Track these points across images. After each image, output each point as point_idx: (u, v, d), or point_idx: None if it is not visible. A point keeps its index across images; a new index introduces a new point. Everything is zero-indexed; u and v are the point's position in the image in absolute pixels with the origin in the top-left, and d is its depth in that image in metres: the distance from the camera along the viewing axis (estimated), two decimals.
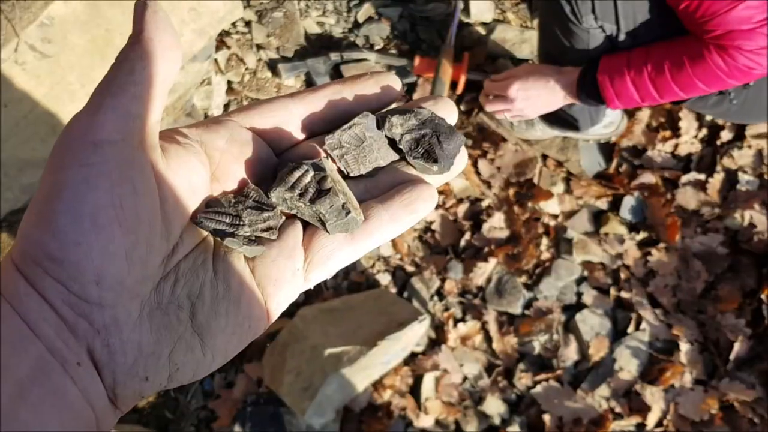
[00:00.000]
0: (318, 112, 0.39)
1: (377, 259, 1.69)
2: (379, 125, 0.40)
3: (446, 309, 1.65)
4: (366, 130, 0.39)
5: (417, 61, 1.72)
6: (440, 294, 1.67)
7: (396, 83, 0.41)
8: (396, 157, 0.41)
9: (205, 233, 0.36)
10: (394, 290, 1.66)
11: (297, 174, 0.37)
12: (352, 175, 0.39)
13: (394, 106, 0.41)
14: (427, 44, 1.85)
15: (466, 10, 1.84)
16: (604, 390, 1.58)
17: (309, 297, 1.62)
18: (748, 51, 1.16)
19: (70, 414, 0.29)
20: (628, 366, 1.59)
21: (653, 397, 1.56)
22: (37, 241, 0.30)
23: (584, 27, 1.32)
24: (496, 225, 1.71)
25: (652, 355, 1.61)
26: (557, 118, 1.59)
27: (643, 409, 1.55)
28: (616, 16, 1.28)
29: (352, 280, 1.65)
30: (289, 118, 0.39)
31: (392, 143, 0.40)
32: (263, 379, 1.49)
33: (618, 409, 1.56)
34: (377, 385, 1.54)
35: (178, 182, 0.34)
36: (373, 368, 1.47)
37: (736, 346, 1.57)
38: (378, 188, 0.40)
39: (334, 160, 0.39)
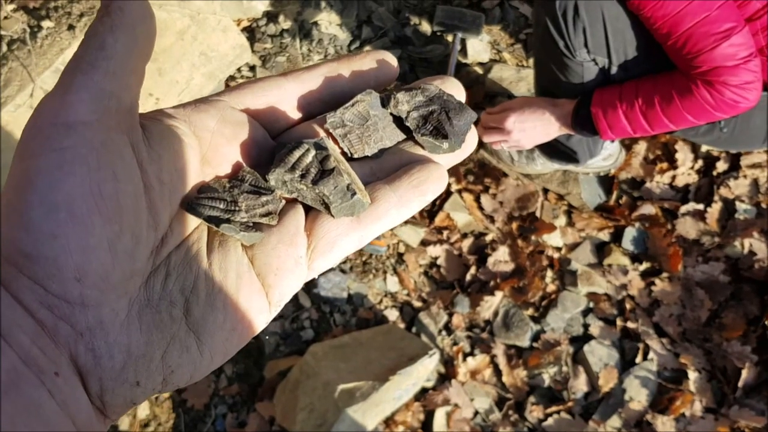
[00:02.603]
0: (314, 91, 0.37)
1: (385, 294, 1.70)
2: (384, 103, 0.38)
3: (455, 343, 1.66)
4: (370, 108, 0.37)
5: None
6: (448, 328, 1.68)
7: (392, 60, 0.39)
8: (402, 136, 0.38)
9: (198, 221, 0.33)
10: (402, 326, 1.67)
11: (297, 154, 0.34)
12: (356, 156, 0.37)
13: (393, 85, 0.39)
14: None
15: (464, 51, 1.89)
16: (615, 421, 1.58)
17: (318, 334, 1.62)
18: (733, 86, 1.20)
19: (45, 430, 0.26)
20: (638, 396, 1.60)
21: (665, 426, 1.56)
22: (8, 236, 0.27)
23: (578, 60, 1.37)
24: (500, 258, 1.73)
25: (662, 384, 1.62)
26: (556, 151, 1.62)
27: None
28: (608, 50, 1.33)
29: (361, 317, 1.66)
30: (284, 98, 0.36)
31: (398, 122, 0.38)
32: (275, 417, 1.49)
33: None
34: (389, 421, 1.53)
35: (164, 166, 0.31)
36: (385, 404, 1.46)
37: (744, 373, 1.58)
38: (384, 170, 0.37)
39: (336, 141, 0.37)
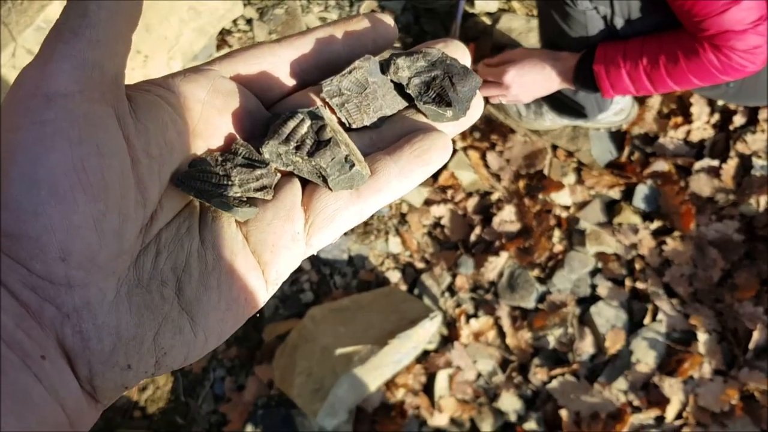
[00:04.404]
0: (309, 57, 0.35)
1: (386, 256, 1.67)
2: (383, 69, 0.36)
3: (458, 305, 1.63)
4: (368, 75, 0.35)
5: None
6: (451, 290, 1.64)
7: (390, 22, 0.37)
8: (404, 104, 0.37)
9: (190, 197, 0.32)
10: (404, 287, 1.64)
11: (291, 124, 0.32)
12: (354, 126, 0.35)
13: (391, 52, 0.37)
14: (431, 36, 1.82)
15: (471, 0, 1.81)
16: (621, 383, 1.55)
17: (318, 297, 1.60)
18: (741, 51, 1.15)
19: (33, 417, 0.25)
20: (645, 358, 1.56)
21: (672, 389, 1.53)
22: None
23: (580, 9, 1.31)
24: (506, 218, 1.68)
25: (670, 346, 1.58)
26: (564, 106, 1.56)
27: (662, 402, 1.52)
28: None
29: (362, 279, 1.63)
30: (278, 65, 0.35)
31: (399, 88, 0.36)
32: (274, 381, 1.48)
33: (636, 403, 1.53)
34: (390, 384, 1.52)
35: (152, 140, 0.30)
36: (385, 367, 1.45)
37: (755, 335, 1.54)
38: (384, 140, 0.35)
39: (333, 110, 0.35)
